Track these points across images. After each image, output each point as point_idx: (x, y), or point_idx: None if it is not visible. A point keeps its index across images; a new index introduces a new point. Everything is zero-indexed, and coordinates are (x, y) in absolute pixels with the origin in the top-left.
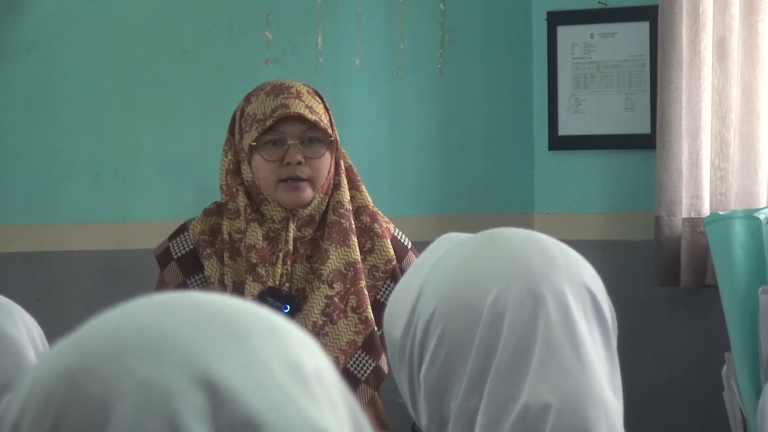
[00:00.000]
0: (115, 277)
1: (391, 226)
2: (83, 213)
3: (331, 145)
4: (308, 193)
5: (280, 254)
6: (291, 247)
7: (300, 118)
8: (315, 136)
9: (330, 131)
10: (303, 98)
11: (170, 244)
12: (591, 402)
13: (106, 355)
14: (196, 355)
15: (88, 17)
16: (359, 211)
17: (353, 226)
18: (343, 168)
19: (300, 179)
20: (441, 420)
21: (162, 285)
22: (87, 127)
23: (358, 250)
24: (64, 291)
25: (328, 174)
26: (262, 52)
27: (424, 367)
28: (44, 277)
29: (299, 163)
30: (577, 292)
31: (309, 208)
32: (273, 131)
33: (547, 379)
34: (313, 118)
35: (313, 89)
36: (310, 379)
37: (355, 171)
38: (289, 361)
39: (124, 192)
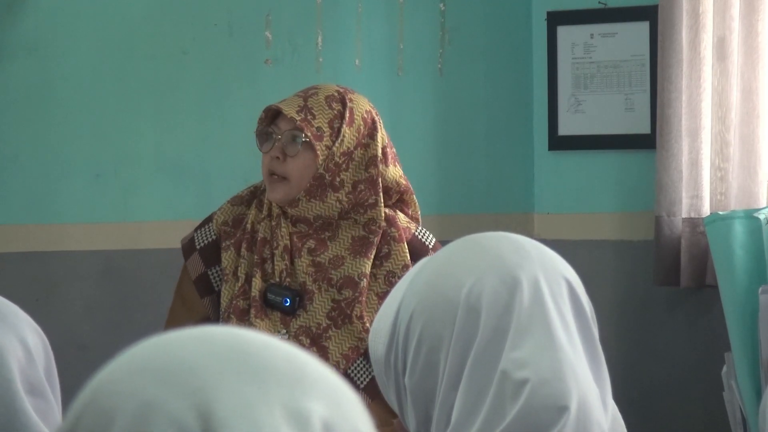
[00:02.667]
0: (114, 277)
1: (413, 226)
2: (83, 213)
3: (311, 147)
4: (280, 190)
5: (276, 252)
6: (287, 243)
7: (286, 116)
8: (298, 136)
9: (310, 133)
10: (309, 99)
11: (195, 234)
12: (562, 377)
13: (125, 374)
14: (205, 387)
15: (88, 17)
16: None
17: (378, 241)
18: (380, 187)
19: (276, 175)
20: (427, 420)
21: (185, 275)
22: (87, 127)
23: (371, 263)
24: (64, 291)
25: (314, 176)
26: (262, 52)
27: (408, 369)
28: (44, 277)
29: (277, 158)
30: (551, 278)
31: (295, 209)
32: (273, 124)
33: (520, 358)
34: (290, 115)
35: (340, 96)
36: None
37: (390, 191)
38: (296, 409)
39: (123, 192)
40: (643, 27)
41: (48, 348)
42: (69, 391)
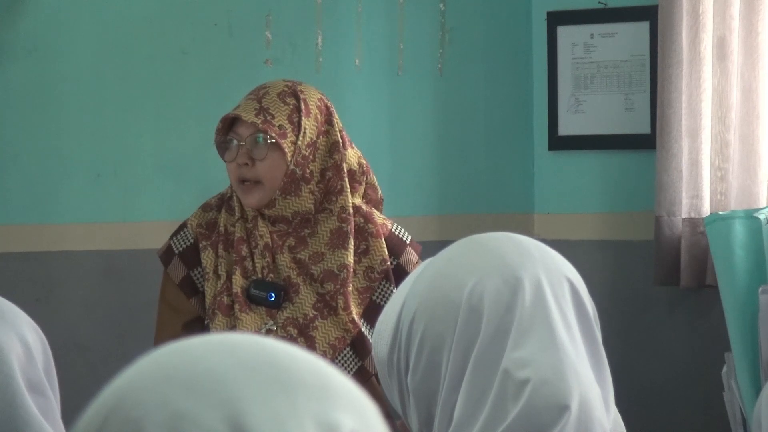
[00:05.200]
0: (114, 277)
1: (389, 223)
2: (83, 213)
3: (277, 146)
4: (255, 194)
5: (256, 251)
6: (268, 240)
7: (245, 121)
8: (262, 138)
9: (274, 133)
10: (263, 100)
11: (171, 242)
12: (564, 377)
13: (152, 383)
14: (235, 398)
15: (88, 17)
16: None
17: (353, 229)
18: (345, 171)
19: (248, 180)
20: (430, 420)
21: (167, 282)
22: (87, 127)
23: (352, 253)
24: (64, 291)
25: (286, 173)
26: (262, 52)
27: (410, 369)
28: (44, 277)
29: (246, 164)
30: (554, 279)
31: (272, 210)
32: (231, 132)
33: (522, 357)
34: (250, 119)
35: (291, 90)
36: None
37: (356, 174)
38: (326, 421)
39: (124, 192)
40: (643, 27)
41: (47, 347)
42: (69, 391)
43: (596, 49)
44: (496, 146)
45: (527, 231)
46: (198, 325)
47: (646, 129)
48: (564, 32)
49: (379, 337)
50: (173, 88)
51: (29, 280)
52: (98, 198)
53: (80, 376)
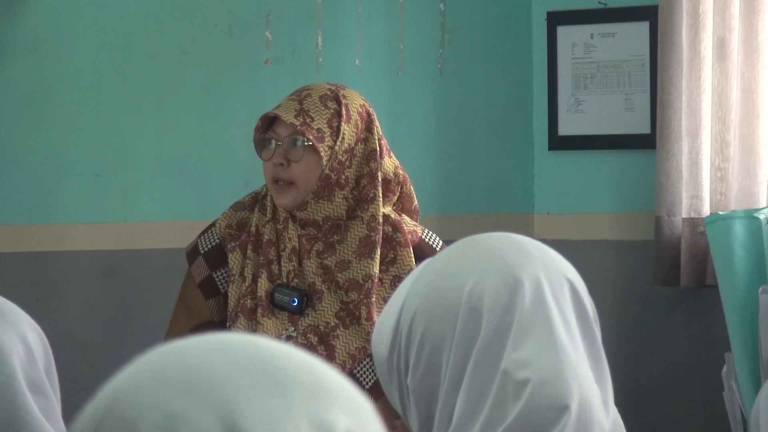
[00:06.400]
0: (114, 277)
1: (419, 229)
2: (83, 213)
3: (313, 149)
4: (288, 196)
5: (284, 254)
6: (295, 244)
7: (284, 121)
8: (299, 140)
9: (311, 136)
10: (304, 102)
11: (199, 240)
12: (563, 377)
13: (147, 384)
14: (230, 400)
15: (88, 17)
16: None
17: (380, 239)
18: (379, 180)
19: (281, 181)
20: (429, 420)
21: (189, 281)
22: (87, 127)
23: (378, 263)
24: (63, 291)
25: (320, 177)
26: (262, 52)
27: (410, 370)
28: (44, 277)
29: (281, 164)
30: (553, 279)
31: (304, 212)
32: (270, 130)
33: (521, 358)
34: (289, 120)
35: (333, 94)
36: None
37: (391, 183)
38: (321, 422)
39: (123, 192)
40: (643, 27)
41: (47, 347)
42: (69, 390)
43: (596, 49)
44: (496, 146)
45: (527, 231)
46: (208, 329)
47: (646, 129)
48: (564, 32)
49: (379, 337)
50: (173, 88)
51: (29, 280)
52: (98, 198)
53: (80, 376)
